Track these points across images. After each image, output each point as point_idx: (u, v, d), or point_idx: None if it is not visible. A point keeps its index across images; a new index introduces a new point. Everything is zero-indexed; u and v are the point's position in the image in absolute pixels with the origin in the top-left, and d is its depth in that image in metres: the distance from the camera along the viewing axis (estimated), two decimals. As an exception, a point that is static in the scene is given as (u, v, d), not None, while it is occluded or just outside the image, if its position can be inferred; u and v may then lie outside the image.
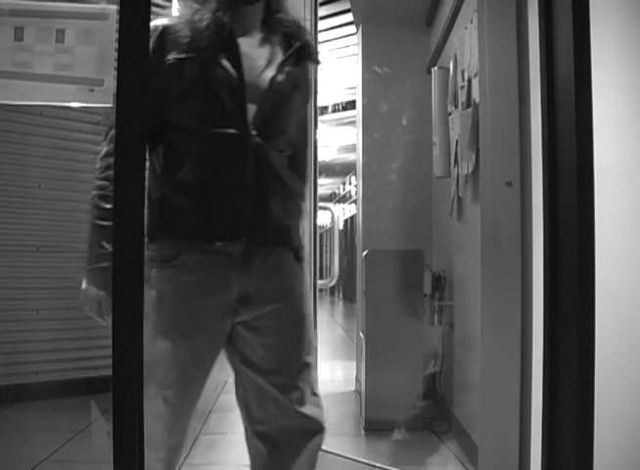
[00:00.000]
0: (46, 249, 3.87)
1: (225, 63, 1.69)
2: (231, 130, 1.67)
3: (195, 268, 1.67)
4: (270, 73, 1.76)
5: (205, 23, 1.69)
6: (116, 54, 1.73)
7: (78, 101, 1.83)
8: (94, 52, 1.89)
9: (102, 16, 1.92)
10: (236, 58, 1.72)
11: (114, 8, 1.84)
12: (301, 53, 1.86)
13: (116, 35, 1.78)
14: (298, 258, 1.82)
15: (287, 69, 1.80)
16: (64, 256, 3.83)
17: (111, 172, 1.69)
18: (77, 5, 1.94)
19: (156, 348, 1.65)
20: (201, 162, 1.66)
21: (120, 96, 1.70)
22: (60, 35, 1.88)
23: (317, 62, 1.96)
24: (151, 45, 1.70)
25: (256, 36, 1.80)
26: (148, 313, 1.44)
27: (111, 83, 1.83)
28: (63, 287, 3.67)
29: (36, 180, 3.84)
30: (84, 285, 1.68)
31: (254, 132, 1.69)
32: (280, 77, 1.77)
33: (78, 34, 1.89)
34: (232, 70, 1.69)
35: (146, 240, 1.51)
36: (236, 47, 1.72)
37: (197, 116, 1.67)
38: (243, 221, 1.67)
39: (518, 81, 2.52)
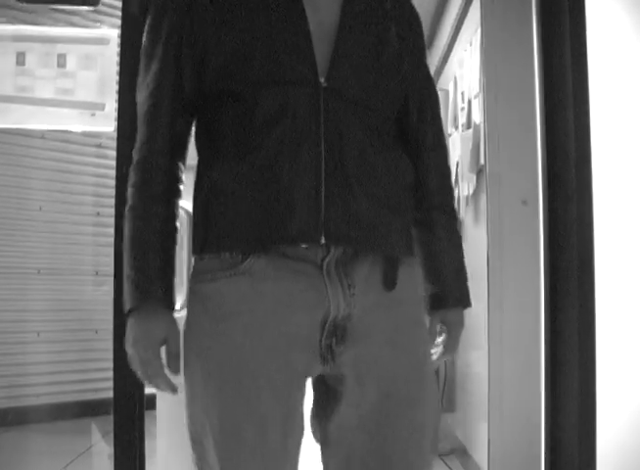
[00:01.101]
0: (47, 271, 3.87)
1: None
2: (300, 84, 1.22)
3: (268, 276, 1.19)
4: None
5: None
6: (117, 78, 1.75)
7: (80, 125, 1.85)
8: (95, 76, 1.91)
9: (103, 41, 1.94)
10: None
11: (116, 33, 1.87)
12: None
13: (118, 60, 1.80)
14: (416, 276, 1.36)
15: None
16: (64, 278, 3.83)
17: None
18: (79, 30, 1.96)
19: (207, 400, 1.20)
20: (270, 131, 1.21)
21: (121, 120, 1.72)
22: (61, 60, 1.90)
23: None
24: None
25: None
26: (194, 344, 1.20)
27: (112, 108, 1.85)
28: (63, 309, 3.68)
29: (37, 203, 3.85)
30: (127, 337, 1.23)
31: (326, 83, 1.22)
32: (353, 5, 1.30)
33: (80, 59, 1.92)
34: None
35: (194, 257, 1.25)
36: None
37: (245, 72, 1.23)
38: (333, 213, 1.20)
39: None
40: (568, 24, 2.14)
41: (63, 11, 2.42)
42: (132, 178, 1.27)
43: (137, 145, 1.27)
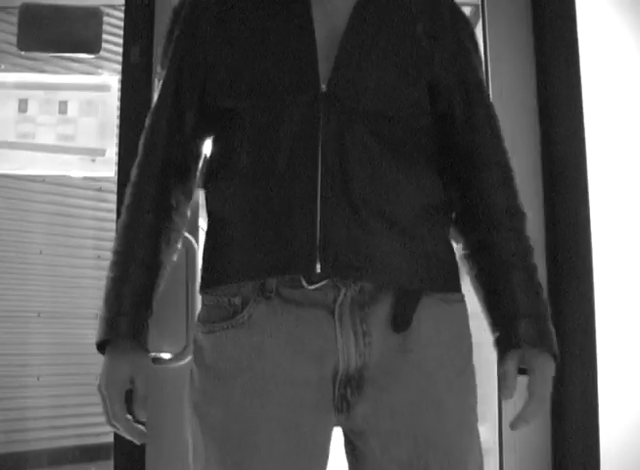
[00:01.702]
0: (47, 314, 3.87)
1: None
2: (297, 92, 1.12)
3: (269, 326, 1.09)
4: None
5: None
6: (118, 125, 1.78)
7: (80, 171, 1.87)
8: (96, 123, 1.94)
9: (104, 87, 1.98)
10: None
11: (116, 79, 1.90)
12: None
13: (118, 106, 1.83)
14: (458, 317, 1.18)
15: None
16: (65, 322, 3.83)
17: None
18: (80, 77, 2.00)
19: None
20: (260, 150, 1.12)
21: (121, 166, 1.74)
22: (63, 106, 1.94)
23: None
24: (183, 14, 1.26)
25: None
26: (194, 403, 1.12)
27: (112, 153, 1.88)
28: (64, 353, 3.67)
29: (38, 246, 3.86)
30: (102, 372, 1.17)
31: (326, 89, 1.11)
32: (369, 2, 1.19)
33: (81, 105, 1.95)
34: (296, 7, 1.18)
35: (200, 294, 1.18)
36: None
37: (240, 86, 1.15)
38: (332, 239, 1.07)
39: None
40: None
41: (64, 58, 2.47)
42: (121, 219, 1.22)
43: (133, 170, 1.24)
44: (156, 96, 1.25)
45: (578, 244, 2.02)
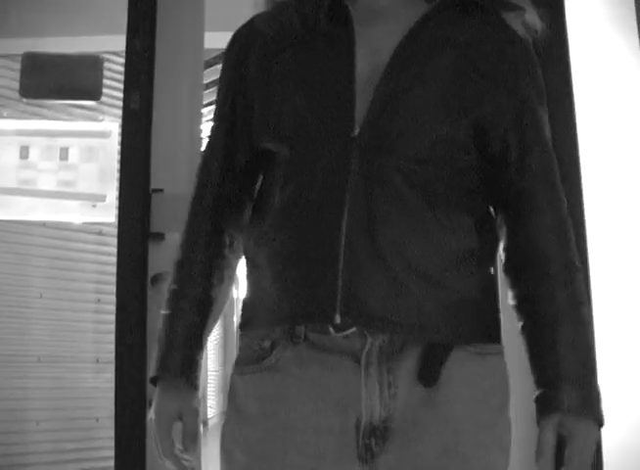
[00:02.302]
0: (47, 359, 3.85)
1: (328, 46, 1.16)
2: (331, 137, 1.10)
3: (295, 372, 1.08)
4: (398, 37, 1.14)
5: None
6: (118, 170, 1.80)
7: (81, 216, 1.89)
8: (96, 169, 1.97)
9: (104, 134, 2.00)
10: (347, 37, 1.15)
11: (117, 126, 1.93)
12: (470, 1, 1.18)
13: (118, 151, 1.85)
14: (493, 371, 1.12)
15: (433, 26, 1.16)
16: (65, 366, 3.81)
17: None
18: (81, 123, 2.03)
19: None
20: (291, 195, 1.11)
21: (121, 211, 1.76)
22: (63, 153, 1.96)
23: (511, 8, 1.19)
24: (232, 57, 1.27)
25: None
26: (222, 440, 1.12)
27: (113, 199, 1.90)
28: (63, 397, 3.65)
29: (38, 290, 3.86)
30: (152, 407, 1.18)
31: (358, 135, 1.08)
32: (414, 39, 1.14)
33: (82, 152, 1.98)
34: (337, 52, 1.15)
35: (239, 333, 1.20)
36: (347, 22, 1.16)
37: (277, 130, 1.15)
38: (355, 287, 1.05)
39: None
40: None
41: (66, 104, 2.50)
42: (176, 256, 1.22)
43: (188, 206, 1.24)
44: (211, 130, 1.27)
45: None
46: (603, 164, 2.17)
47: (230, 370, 1.21)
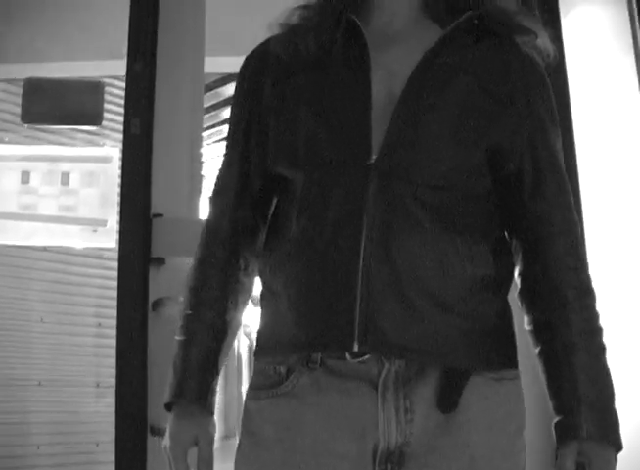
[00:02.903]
0: (47, 383, 3.84)
1: (343, 70, 1.16)
2: (347, 163, 1.10)
3: (311, 397, 1.08)
4: (412, 62, 1.14)
5: (311, 22, 1.21)
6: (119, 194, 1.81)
7: (82, 241, 1.90)
8: (97, 194, 1.97)
9: (105, 159, 2.01)
10: (362, 60, 1.14)
11: (117, 151, 1.94)
12: (483, 24, 1.18)
13: (119, 176, 1.86)
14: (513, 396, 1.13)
15: (447, 52, 1.15)
16: (66, 390, 3.80)
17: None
18: (82, 149, 2.04)
19: None
20: (308, 221, 1.11)
21: (122, 236, 1.76)
22: (64, 178, 1.97)
23: (523, 32, 1.19)
24: (244, 83, 1.28)
25: (401, 21, 1.23)
26: (236, 464, 1.12)
27: (113, 224, 1.90)
28: (64, 422, 3.64)
29: (39, 314, 3.86)
30: (167, 432, 1.17)
31: (375, 162, 1.08)
32: (429, 65, 1.13)
33: (83, 177, 1.98)
34: (354, 77, 1.14)
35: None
36: (362, 47, 1.15)
37: (291, 157, 1.15)
38: (372, 315, 1.04)
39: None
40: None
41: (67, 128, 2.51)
42: (189, 281, 1.22)
43: (202, 231, 1.24)
44: (224, 155, 1.27)
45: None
46: (601, 182, 2.18)
47: (229, 395, 1.21)
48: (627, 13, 2.29)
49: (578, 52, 2.22)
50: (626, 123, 2.24)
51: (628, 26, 2.28)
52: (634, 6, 2.27)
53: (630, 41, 2.27)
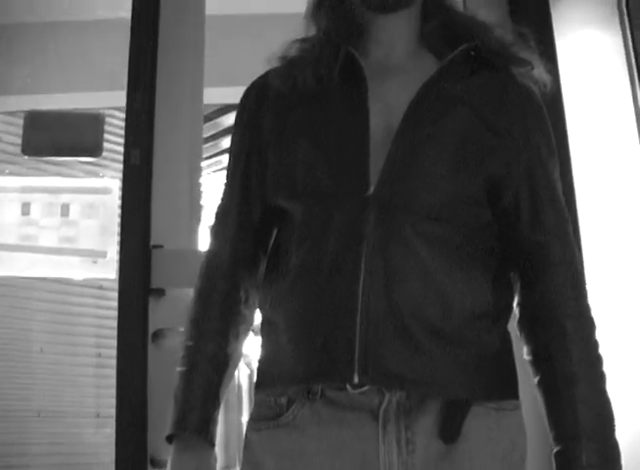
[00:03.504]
0: (47, 414, 3.82)
1: (340, 104, 1.17)
2: (346, 195, 1.10)
3: (312, 429, 1.08)
4: (410, 93, 1.15)
5: (310, 56, 1.22)
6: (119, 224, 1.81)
7: (82, 272, 1.90)
8: (97, 225, 1.98)
9: (105, 190, 2.02)
10: (360, 94, 1.15)
11: (117, 182, 1.95)
12: (480, 56, 1.19)
13: (119, 206, 1.87)
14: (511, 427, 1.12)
15: (444, 83, 1.16)
16: (65, 421, 3.78)
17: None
18: (82, 180, 2.05)
19: None
20: (307, 253, 1.11)
21: (122, 267, 1.76)
22: (65, 209, 1.98)
23: (518, 63, 1.21)
24: (243, 116, 1.29)
25: (398, 53, 1.25)
26: None
27: (113, 255, 1.90)
28: (63, 453, 3.62)
29: (38, 344, 3.85)
30: (169, 464, 1.17)
31: (373, 194, 1.08)
32: (426, 97, 1.14)
33: (83, 208, 1.99)
34: (351, 111, 1.15)
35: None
36: (360, 79, 1.16)
37: (290, 188, 1.15)
38: (372, 346, 1.04)
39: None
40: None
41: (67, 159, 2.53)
42: (190, 313, 1.22)
43: (202, 263, 1.24)
44: (224, 185, 1.28)
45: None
46: (600, 210, 2.19)
47: (230, 425, 1.22)
48: (621, 36, 2.32)
49: (575, 76, 2.24)
50: (624, 149, 2.25)
51: (623, 49, 2.31)
52: (627, 29, 2.30)
53: (625, 63, 2.30)
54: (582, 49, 2.33)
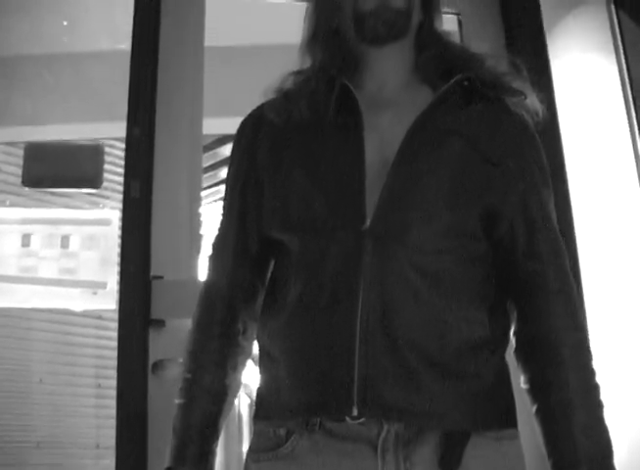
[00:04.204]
0: (46, 444, 3.80)
1: (335, 137, 1.18)
2: (342, 229, 1.10)
3: (311, 460, 1.08)
4: (405, 126, 1.15)
5: (307, 89, 1.22)
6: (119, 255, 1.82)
7: (82, 303, 1.90)
8: (97, 256, 1.98)
9: (105, 221, 2.03)
10: (355, 126, 1.15)
11: (117, 214, 1.95)
12: (473, 87, 1.20)
13: (118, 239, 1.87)
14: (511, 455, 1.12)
15: (439, 115, 1.17)
16: (64, 452, 3.75)
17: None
18: (82, 212, 2.06)
19: None
20: (305, 287, 1.11)
21: (122, 298, 1.77)
22: (65, 241, 1.98)
23: (512, 93, 1.21)
24: (240, 147, 1.30)
25: (393, 85, 1.26)
26: None
27: (113, 286, 1.91)
28: (63, 484, 3.58)
29: (38, 375, 3.83)
30: None
31: (369, 227, 1.09)
32: (421, 129, 1.15)
33: (83, 240, 2.00)
34: (345, 144, 1.16)
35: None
36: (355, 112, 1.17)
37: (291, 219, 1.15)
38: (371, 379, 1.04)
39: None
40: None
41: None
42: (188, 345, 1.23)
43: (200, 293, 1.24)
44: (221, 216, 1.29)
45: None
46: (598, 235, 2.20)
47: (230, 454, 1.22)
48: (616, 60, 2.34)
49: (571, 101, 2.26)
50: (621, 173, 2.26)
51: (618, 73, 2.33)
52: (621, 54, 2.32)
53: (620, 87, 2.32)
54: (578, 74, 2.35)
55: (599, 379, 1.15)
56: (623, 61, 2.34)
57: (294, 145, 1.20)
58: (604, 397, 1.14)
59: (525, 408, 1.18)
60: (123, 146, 2.19)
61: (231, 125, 1.42)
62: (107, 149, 2.44)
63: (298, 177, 1.16)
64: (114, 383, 2.07)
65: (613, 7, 2.39)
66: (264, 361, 1.18)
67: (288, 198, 1.16)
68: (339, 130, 1.18)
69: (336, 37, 1.26)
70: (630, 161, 2.27)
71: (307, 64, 1.29)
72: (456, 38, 1.85)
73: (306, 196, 1.14)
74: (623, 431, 1.85)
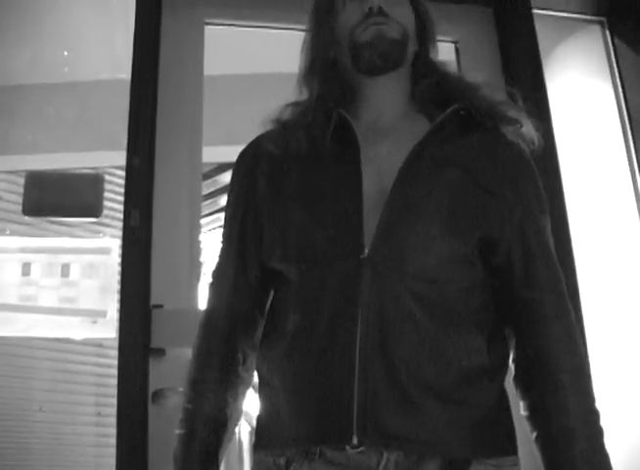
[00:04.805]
0: (46, 473, 3.76)
1: (333, 169, 1.19)
2: (340, 258, 1.11)
3: None
4: (402, 155, 1.16)
5: (304, 120, 1.24)
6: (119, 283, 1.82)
7: (82, 332, 1.90)
8: (97, 285, 1.98)
9: (105, 250, 2.03)
10: (352, 159, 1.16)
11: (117, 242, 1.96)
12: (470, 116, 1.22)
13: (118, 268, 1.88)
14: None
15: (435, 144, 1.18)
16: (65, 481, 3.72)
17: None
18: (82, 240, 2.06)
19: None
20: (304, 316, 1.11)
21: (122, 327, 1.77)
22: (65, 269, 1.99)
23: (508, 122, 1.23)
24: (239, 176, 1.32)
25: (390, 114, 1.27)
26: None
27: (113, 314, 1.91)
28: (63, 514, 3.55)
29: (38, 403, 3.81)
30: None
31: (375, 259, 1.09)
32: (418, 159, 1.15)
33: (83, 268, 2.00)
34: (343, 175, 1.17)
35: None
36: (353, 142, 1.18)
37: (290, 249, 1.16)
38: (370, 408, 1.03)
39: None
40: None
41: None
42: (188, 375, 1.23)
43: (200, 321, 1.24)
44: (221, 244, 1.29)
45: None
46: (596, 257, 2.21)
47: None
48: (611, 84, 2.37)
49: (567, 125, 2.28)
50: (619, 198, 2.28)
51: (614, 96, 2.35)
52: (617, 77, 2.35)
53: (617, 109, 2.34)
54: (575, 98, 2.38)
55: (599, 405, 1.15)
56: (619, 85, 2.37)
57: (292, 176, 1.21)
58: (604, 417, 1.14)
59: (526, 435, 1.18)
60: (123, 175, 2.19)
61: (230, 153, 1.43)
62: (107, 178, 2.45)
63: (297, 209, 1.17)
64: (114, 411, 2.06)
65: (608, 32, 2.42)
66: (264, 390, 1.18)
67: (287, 229, 1.17)
68: (336, 161, 1.19)
69: (333, 68, 1.28)
70: (628, 184, 2.29)
71: (305, 95, 1.31)
72: (454, 66, 1.86)
73: (305, 227, 1.14)
74: (620, 443, 1.85)
